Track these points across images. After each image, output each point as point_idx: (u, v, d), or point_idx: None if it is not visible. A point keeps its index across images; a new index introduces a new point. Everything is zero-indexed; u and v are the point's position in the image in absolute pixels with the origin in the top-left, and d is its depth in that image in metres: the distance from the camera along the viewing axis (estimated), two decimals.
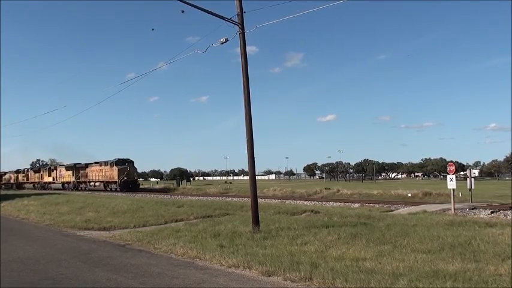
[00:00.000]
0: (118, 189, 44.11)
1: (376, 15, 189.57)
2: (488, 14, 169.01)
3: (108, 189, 46.62)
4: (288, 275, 6.64)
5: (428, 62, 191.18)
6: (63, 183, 56.24)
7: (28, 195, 31.75)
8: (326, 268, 6.74)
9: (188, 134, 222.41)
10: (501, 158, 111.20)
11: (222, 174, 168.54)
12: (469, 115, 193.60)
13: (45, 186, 59.36)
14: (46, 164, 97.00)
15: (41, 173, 63.57)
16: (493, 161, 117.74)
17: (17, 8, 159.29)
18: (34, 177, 65.05)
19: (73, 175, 54.57)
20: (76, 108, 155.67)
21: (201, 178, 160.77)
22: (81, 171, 53.42)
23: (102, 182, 48.27)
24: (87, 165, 52.54)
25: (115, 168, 46.11)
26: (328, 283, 6.13)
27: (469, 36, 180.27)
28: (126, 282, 6.69)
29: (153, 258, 8.65)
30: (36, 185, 62.48)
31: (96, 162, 51.18)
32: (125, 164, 46.73)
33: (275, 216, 14.51)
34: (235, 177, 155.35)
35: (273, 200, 26.73)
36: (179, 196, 34.00)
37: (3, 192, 47.69)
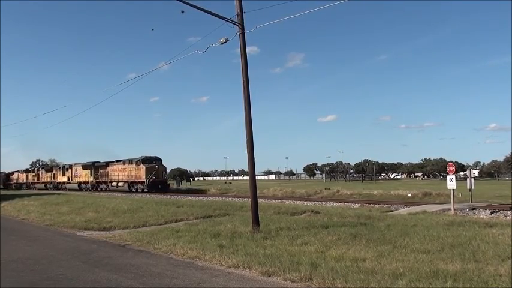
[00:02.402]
0: (145, 190, 40.04)
1: (377, 16, 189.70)
2: (488, 14, 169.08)
3: (134, 190, 42.35)
4: (287, 275, 6.64)
5: (429, 62, 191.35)
6: (79, 183, 51.93)
7: (28, 196, 31.78)
8: (326, 268, 6.75)
9: (188, 134, 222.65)
10: (501, 158, 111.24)
11: (222, 174, 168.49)
12: (469, 115, 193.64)
13: (58, 186, 55.60)
14: (46, 163, 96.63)
15: (54, 172, 59.32)
16: (493, 161, 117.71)
17: (17, 8, 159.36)
18: (46, 176, 61.08)
19: (91, 174, 50.06)
20: (76, 108, 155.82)
21: (201, 178, 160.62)
22: (100, 171, 48.88)
23: (126, 182, 43.72)
24: (108, 164, 48.03)
25: (142, 167, 41.66)
26: (328, 283, 6.13)
27: (469, 36, 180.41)
28: (126, 282, 6.69)
29: (153, 259, 8.65)
30: (48, 185, 58.58)
31: (118, 161, 46.87)
32: (153, 162, 42.34)
33: (275, 217, 14.52)
34: (235, 178, 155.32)
35: (273, 200, 26.72)
36: (179, 196, 33.99)
37: (3, 192, 47.42)
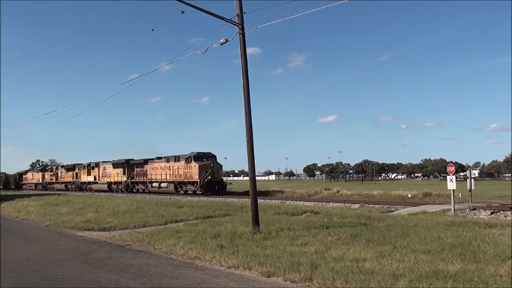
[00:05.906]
0: (198, 192, 34.52)
1: (378, 16, 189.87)
2: (488, 14, 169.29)
3: (182, 191, 36.48)
4: (288, 275, 6.65)
5: (429, 62, 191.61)
6: (109, 184, 45.97)
7: (28, 196, 31.81)
8: (326, 269, 6.75)
9: (188, 134, 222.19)
10: (501, 159, 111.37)
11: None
12: (469, 115, 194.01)
13: (82, 187, 50.53)
14: (46, 164, 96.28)
15: (76, 171, 53.19)
16: (493, 161, 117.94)
17: (17, 8, 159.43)
18: (67, 176, 55.35)
19: (124, 174, 43.72)
20: (76, 108, 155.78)
21: None
22: (136, 169, 42.47)
23: (173, 182, 37.56)
24: (146, 161, 41.74)
25: (194, 165, 35.55)
26: (328, 284, 6.13)
27: (469, 36, 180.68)
28: (126, 282, 6.69)
29: (153, 259, 8.65)
30: (70, 185, 53.79)
31: (159, 158, 40.63)
32: (207, 160, 36.20)
33: (275, 217, 14.52)
34: (235, 178, 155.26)
35: (273, 201, 26.71)
36: (179, 197, 33.98)
37: (3, 193, 47.21)
